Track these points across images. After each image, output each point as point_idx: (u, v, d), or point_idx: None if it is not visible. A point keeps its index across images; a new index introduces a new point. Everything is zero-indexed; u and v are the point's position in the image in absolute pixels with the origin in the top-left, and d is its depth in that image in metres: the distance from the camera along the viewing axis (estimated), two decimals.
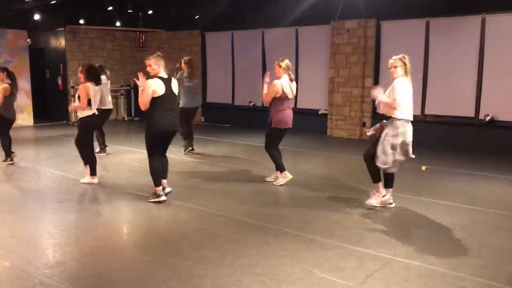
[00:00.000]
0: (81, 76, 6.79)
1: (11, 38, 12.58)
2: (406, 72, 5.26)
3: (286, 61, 6.44)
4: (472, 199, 5.91)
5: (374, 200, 5.52)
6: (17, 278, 3.71)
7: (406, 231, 4.78)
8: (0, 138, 7.81)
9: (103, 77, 8.33)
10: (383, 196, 5.48)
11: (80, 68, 7.02)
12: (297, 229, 4.78)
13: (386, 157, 5.21)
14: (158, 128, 5.50)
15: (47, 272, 3.80)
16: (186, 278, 3.70)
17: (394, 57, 5.29)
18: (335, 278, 3.70)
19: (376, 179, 5.48)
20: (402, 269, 3.88)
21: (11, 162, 7.82)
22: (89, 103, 6.47)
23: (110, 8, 11.74)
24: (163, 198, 5.66)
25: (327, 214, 5.30)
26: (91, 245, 4.44)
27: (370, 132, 5.52)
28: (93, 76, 6.74)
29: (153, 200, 5.66)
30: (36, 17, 12.30)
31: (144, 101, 5.39)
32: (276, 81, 6.32)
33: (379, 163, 5.26)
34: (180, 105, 7.81)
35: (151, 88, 5.35)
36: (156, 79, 5.42)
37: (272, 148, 6.57)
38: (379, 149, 5.23)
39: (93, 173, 6.59)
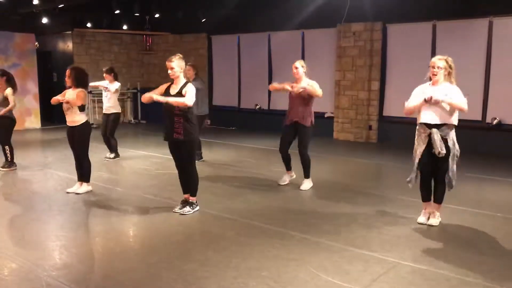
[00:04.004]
0: (70, 81, 6.02)
1: (19, 41, 12.68)
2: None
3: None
4: (479, 203, 5.88)
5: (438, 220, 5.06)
6: (24, 280, 3.73)
7: (412, 235, 4.75)
8: (9, 145, 7.55)
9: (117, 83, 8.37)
10: None
11: (68, 71, 6.04)
12: (302, 232, 4.78)
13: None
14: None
15: (54, 274, 3.83)
16: (191, 280, 3.71)
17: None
18: (341, 281, 3.69)
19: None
20: (408, 272, 3.87)
21: (15, 168, 7.69)
22: (82, 108, 6.00)
23: (117, 11, 11.81)
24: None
25: (333, 217, 5.29)
26: (97, 247, 4.46)
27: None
28: (85, 82, 6.17)
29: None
30: (44, 20, 12.41)
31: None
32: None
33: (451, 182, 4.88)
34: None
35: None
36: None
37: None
38: (453, 166, 4.85)
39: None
